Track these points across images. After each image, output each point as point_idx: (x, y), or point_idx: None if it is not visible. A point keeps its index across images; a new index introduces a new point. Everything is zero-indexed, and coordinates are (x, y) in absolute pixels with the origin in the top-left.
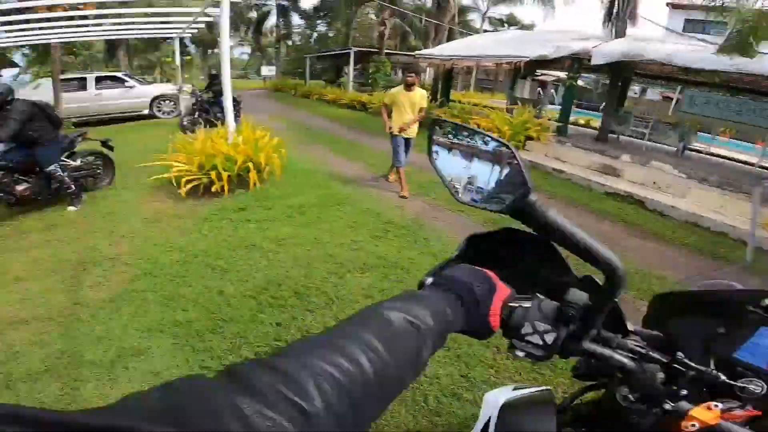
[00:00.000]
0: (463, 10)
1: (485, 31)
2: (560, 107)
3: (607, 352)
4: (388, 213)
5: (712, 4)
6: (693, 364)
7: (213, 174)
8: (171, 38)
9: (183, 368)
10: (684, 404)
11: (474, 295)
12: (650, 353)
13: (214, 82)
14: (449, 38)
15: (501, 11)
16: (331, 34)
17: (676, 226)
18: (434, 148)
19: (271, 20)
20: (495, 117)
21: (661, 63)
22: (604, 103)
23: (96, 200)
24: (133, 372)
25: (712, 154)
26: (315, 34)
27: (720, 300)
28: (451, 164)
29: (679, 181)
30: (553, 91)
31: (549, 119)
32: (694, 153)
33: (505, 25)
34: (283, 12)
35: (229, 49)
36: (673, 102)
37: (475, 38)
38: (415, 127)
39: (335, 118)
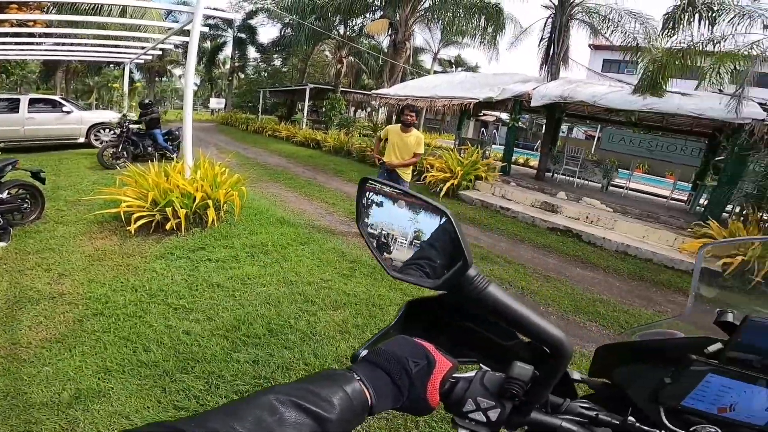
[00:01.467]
0: (416, 51)
1: (435, 71)
2: (503, 147)
3: (555, 421)
4: (353, 252)
5: (627, 44)
6: (644, 427)
7: (169, 210)
8: (118, 63)
9: (155, 409)
10: None
11: (408, 372)
12: (600, 416)
13: (146, 111)
14: (402, 78)
15: (450, 53)
16: (285, 69)
17: (609, 255)
18: (362, 211)
19: (226, 51)
20: (447, 158)
21: (588, 104)
22: (539, 143)
23: (27, 236)
24: (97, 414)
25: (631, 189)
26: (269, 68)
27: (664, 349)
28: (381, 232)
29: (607, 214)
30: (495, 131)
31: (494, 159)
32: (616, 189)
33: (453, 66)
34: (239, 44)
35: (191, 79)
36: (595, 140)
37: (428, 79)
38: (407, 171)
39: (290, 155)
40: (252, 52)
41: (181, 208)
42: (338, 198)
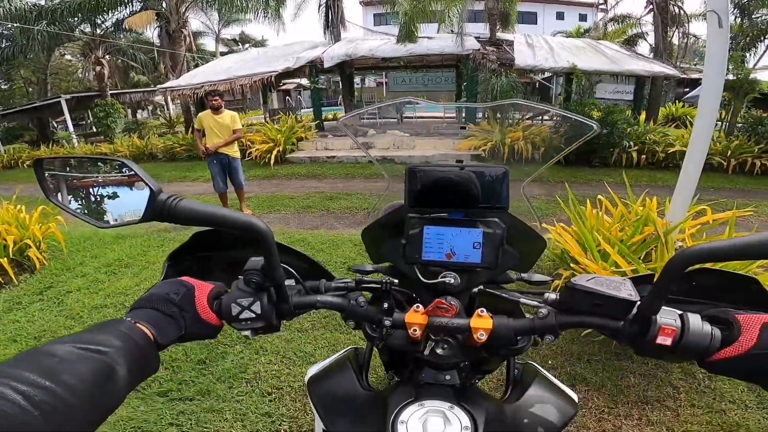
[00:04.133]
0: (195, 35)
1: (222, 52)
2: (311, 109)
3: (311, 299)
4: None
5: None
6: (370, 283)
7: None
8: None
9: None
10: (397, 315)
11: (173, 302)
12: (347, 284)
13: None
14: (187, 67)
15: (233, 32)
16: (6, 87)
17: None
18: (51, 187)
19: None
20: (266, 130)
21: (369, 57)
22: (340, 98)
23: None
24: None
25: (419, 117)
26: None
27: (395, 217)
28: (77, 196)
29: (407, 139)
30: (299, 96)
31: (308, 121)
32: (407, 118)
33: (240, 44)
34: None
35: None
36: (384, 85)
37: (219, 62)
38: (233, 147)
39: None
40: None
41: None
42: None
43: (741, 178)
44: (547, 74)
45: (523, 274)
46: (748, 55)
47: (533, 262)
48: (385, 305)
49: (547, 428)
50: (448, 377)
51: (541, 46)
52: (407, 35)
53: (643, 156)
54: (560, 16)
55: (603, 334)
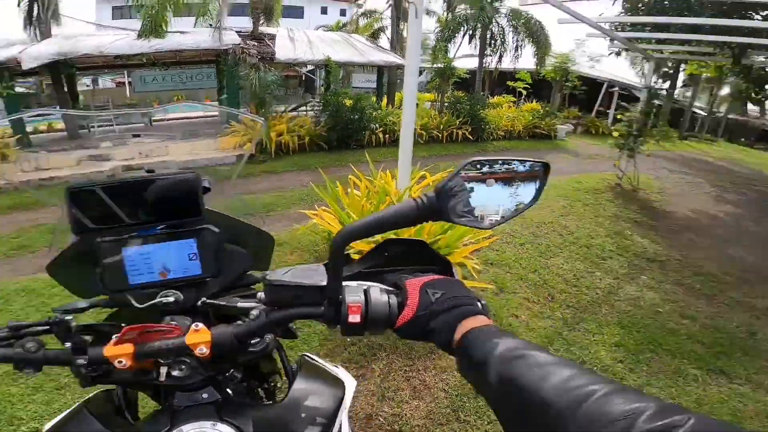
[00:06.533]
0: None
1: None
2: (9, 122)
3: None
4: None
5: None
6: (30, 327)
7: None
8: None
9: None
10: (93, 351)
11: None
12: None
13: None
14: None
15: None
16: None
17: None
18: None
19: None
20: None
21: (96, 55)
22: (57, 104)
23: None
24: None
25: (174, 119)
26: None
27: (87, 246)
28: None
29: (158, 145)
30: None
31: (5, 136)
32: (158, 122)
33: None
34: None
35: None
36: (127, 85)
37: None
38: None
39: None
40: None
41: None
42: None
43: (452, 146)
44: (311, 67)
45: (266, 272)
46: (450, 45)
47: (269, 259)
48: (67, 344)
49: (321, 415)
50: (205, 395)
51: (301, 39)
52: (152, 30)
53: (387, 135)
54: (324, 10)
55: (317, 321)
